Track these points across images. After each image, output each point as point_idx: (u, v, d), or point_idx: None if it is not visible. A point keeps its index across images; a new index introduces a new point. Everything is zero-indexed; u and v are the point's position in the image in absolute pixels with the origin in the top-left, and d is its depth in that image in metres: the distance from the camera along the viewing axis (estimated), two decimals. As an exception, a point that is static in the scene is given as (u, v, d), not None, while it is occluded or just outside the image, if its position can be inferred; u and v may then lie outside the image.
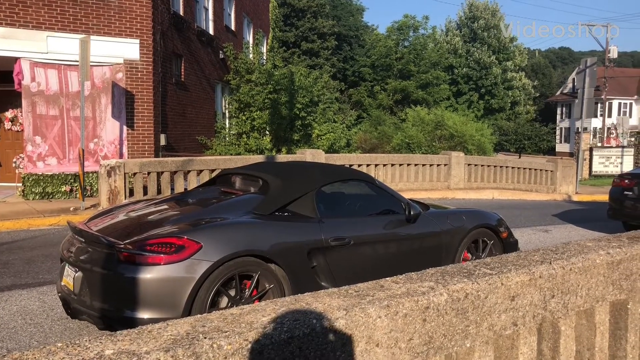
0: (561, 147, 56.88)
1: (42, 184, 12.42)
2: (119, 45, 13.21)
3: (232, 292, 4.28)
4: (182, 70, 16.63)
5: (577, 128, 24.50)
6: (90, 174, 12.58)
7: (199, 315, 1.80)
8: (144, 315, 3.97)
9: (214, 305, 4.17)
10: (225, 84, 20.76)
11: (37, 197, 12.32)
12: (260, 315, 1.78)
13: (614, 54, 42.27)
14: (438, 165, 16.02)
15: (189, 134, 17.17)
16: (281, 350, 1.66)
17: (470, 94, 50.91)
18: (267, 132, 19.49)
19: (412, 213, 5.44)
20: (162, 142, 14.53)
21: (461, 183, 16.16)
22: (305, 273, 4.66)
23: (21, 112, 13.06)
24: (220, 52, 20.01)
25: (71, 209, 10.89)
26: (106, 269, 4.12)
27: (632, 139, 28.02)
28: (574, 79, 50.43)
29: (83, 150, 11.10)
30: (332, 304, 1.89)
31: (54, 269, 6.63)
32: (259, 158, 13.09)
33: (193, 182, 11.67)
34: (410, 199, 5.91)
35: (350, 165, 13.71)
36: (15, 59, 12.32)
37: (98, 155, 13.07)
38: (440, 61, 44.94)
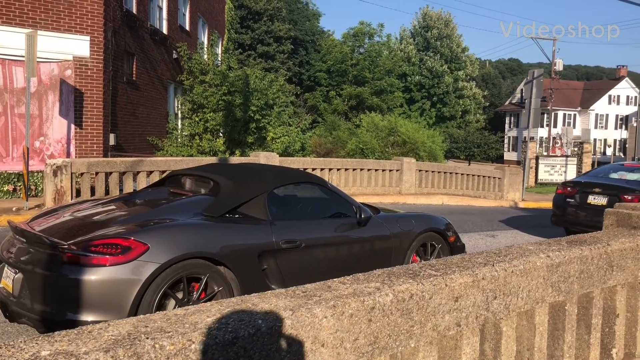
0: (509, 155, 58.62)
1: (-18, 182, 11.92)
2: (69, 41, 12.83)
3: (180, 295, 4.21)
4: (134, 69, 16.29)
5: (524, 137, 25.31)
6: (35, 174, 12.15)
7: (141, 316, 1.77)
8: (87, 317, 3.86)
9: (161, 308, 4.09)
10: (179, 84, 20.46)
11: (-23, 196, 11.82)
12: (205, 316, 1.76)
13: (559, 66, 43.93)
14: (390, 170, 16.24)
15: (140, 134, 16.82)
16: (225, 351, 1.65)
17: (422, 102, 51.93)
18: (221, 134, 19.30)
19: (362, 216, 5.49)
20: (112, 141, 14.17)
21: (412, 188, 16.43)
22: (256, 276, 4.63)
23: (-39, 107, 12.51)
24: (174, 51, 19.71)
25: (14, 209, 10.49)
26: (48, 270, 3.98)
27: (576, 149, 29.14)
28: (522, 90, 52.11)
29: (28, 149, 10.72)
30: (279, 305, 1.89)
31: (-7, 270, 6.36)
32: (211, 160, 12.95)
33: (142, 183, 11.43)
34: (362, 203, 5.97)
35: (305, 169, 13.72)
36: (-44, 52, 11.81)
37: (44, 154, 12.65)
38: (394, 69, 45.63)
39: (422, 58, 53.34)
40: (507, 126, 61.57)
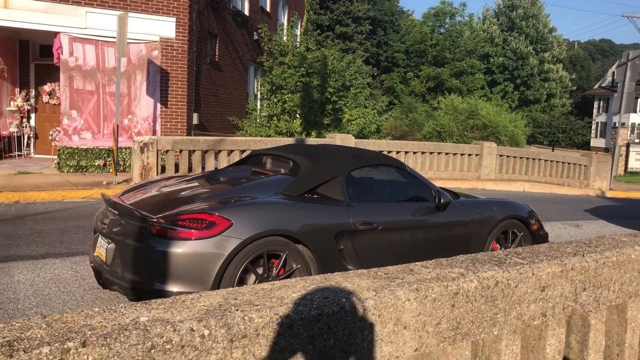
0: (596, 141, 55.54)
1: (76, 157, 12.69)
2: (156, 23, 13.33)
3: (260, 270, 4.33)
4: (217, 50, 16.71)
5: (615, 123, 23.92)
6: (124, 150, 12.80)
7: (230, 289, 1.83)
8: (173, 288, 4.05)
9: (242, 282, 4.23)
10: (258, 65, 20.79)
11: (72, 170, 12.61)
12: (290, 292, 1.80)
13: (657, 47, 40.92)
14: (469, 155, 15.84)
15: (221, 114, 17.30)
16: (310, 327, 1.68)
17: (505, 84, 50.00)
18: (298, 115, 19.49)
19: (442, 201, 5.40)
20: (195, 121, 14.67)
21: (492, 174, 15.96)
22: (332, 255, 4.68)
23: (59, 86, 13.33)
24: (255, 33, 20.02)
25: (104, 182, 11.12)
26: (138, 241, 4.20)
27: (672, 137, 27.23)
28: (613, 73, 48.97)
29: (117, 126, 11.29)
30: (362, 285, 1.91)
31: (86, 240, 6.80)
32: (288, 141, 13.13)
33: (223, 162, 11.78)
34: (441, 187, 5.87)
35: (380, 151, 13.64)
36: (55, 34, 12.55)
37: (132, 131, 13.28)
38: (476, 49, 44.15)
39: (506, 39, 51.27)
40: (595, 111, 58.26)
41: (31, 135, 14.67)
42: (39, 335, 1.38)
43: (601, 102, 57.47)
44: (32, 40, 14.33)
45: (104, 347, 1.37)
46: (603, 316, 2.45)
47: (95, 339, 1.38)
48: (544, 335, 2.29)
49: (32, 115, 14.71)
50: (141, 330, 1.45)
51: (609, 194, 16.75)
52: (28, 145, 14.67)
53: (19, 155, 14.28)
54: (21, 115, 14.36)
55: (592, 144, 54.48)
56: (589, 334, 2.41)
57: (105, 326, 1.46)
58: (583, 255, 2.38)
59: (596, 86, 61.16)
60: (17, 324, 1.45)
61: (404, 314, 1.86)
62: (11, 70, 13.99)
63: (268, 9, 22.15)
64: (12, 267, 5.75)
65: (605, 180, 17.49)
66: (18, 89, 14.38)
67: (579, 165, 17.55)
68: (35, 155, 14.71)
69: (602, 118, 56.34)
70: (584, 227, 10.40)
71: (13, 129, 14.06)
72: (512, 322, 2.15)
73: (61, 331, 1.41)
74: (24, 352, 1.30)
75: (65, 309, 4.67)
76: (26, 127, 14.48)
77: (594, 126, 56.88)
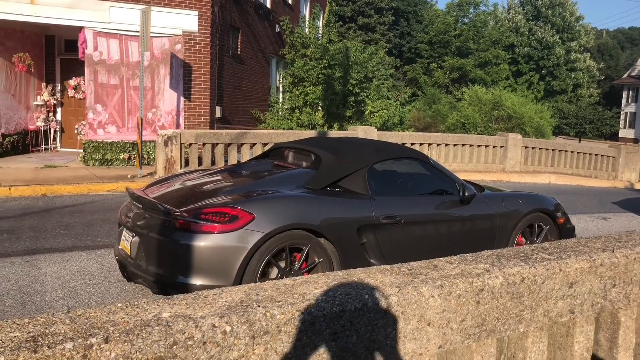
0: (625, 132, 54.42)
1: (101, 150, 12.85)
2: (178, 16, 13.39)
3: (282, 264, 4.33)
4: (239, 43, 16.73)
5: (644, 113, 23.37)
6: (148, 143, 12.91)
7: (252, 284, 1.83)
8: (196, 281, 4.07)
9: (264, 276, 4.24)
10: (281, 58, 20.78)
11: (97, 163, 12.77)
12: (312, 287, 1.79)
13: (689, 35, 39.81)
14: (494, 146, 15.63)
15: (244, 107, 17.34)
16: (332, 323, 1.67)
17: (530, 75, 49.22)
18: (320, 108, 19.45)
19: (466, 194, 5.34)
20: (218, 114, 14.73)
21: (517, 166, 15.74)
22: (355, 249, 4.66)
23: (84, 80, 13.48)
24: (277, 25, 19.99)
25: (129, 176, 11.24)
26: (162, 235, 4.24)
27: None
28: (643, 62, 47.81)
29: (142, 120, 11.39)
30: (385, 281, 1.88)
31: (112, 233, 6.89)
32: (310, 133, 13.11)
33: (246, 155, 11.81)
34: (465, 180, 5.79)
35: (403, 144, 13.54)
36: (79, 29, 12.69)
37: (156, 124, 13.39)
38: (501, 39, 43.51)
39: (532, 28, 50.39)
40: (624, 101, 57.03)
41: (57, 129, 14.90)
42: (63, 331, 1.39)
43: (630, 92, 56.23)
44: (57, 35, 14.53)
45: (126, 343, 1.38)
46: (634, 313, 2.39)
47: (117, 334, 1.38)
48: (572, 332, 2.24)
49: (58, 110, 14.93)
50: (163, 327, 1.44)
51: (638, 186, 16.41)
52: (54, 139, 14.90)
53: (45, 149, 14.52)
54: (47, 109, 14.58)
55: (620, 135, 53.38)
56: (618, 332, 2.35)
57: (128, 322, 1.46)
58: (613, 251, 2.32)
59: (625, 75, 59.82)
60: (42, 319, 1.46)
61: (427, 310, 1.83)
62: (37, 65, 14.20)
63: (290, 1, 22.10)
64: (39, 259, 5.85)
65: (634, 172, 17.13)
66: (44, 84, 14.60)
67: (607, 156, 17.22)
68: (61, 149, 14.94)
69: (631, 108, 55.15)
70: (612, 220, 10.19)
71: (40, 123, 14.30)
72: (539, 319, 2.11)
73: (84, 327, 1.42)
74: (48, 347, 1.30)
75: (91, 302, 4.73)
76: (52, 121, 14.70)
77: (622, 116, 55.70)
